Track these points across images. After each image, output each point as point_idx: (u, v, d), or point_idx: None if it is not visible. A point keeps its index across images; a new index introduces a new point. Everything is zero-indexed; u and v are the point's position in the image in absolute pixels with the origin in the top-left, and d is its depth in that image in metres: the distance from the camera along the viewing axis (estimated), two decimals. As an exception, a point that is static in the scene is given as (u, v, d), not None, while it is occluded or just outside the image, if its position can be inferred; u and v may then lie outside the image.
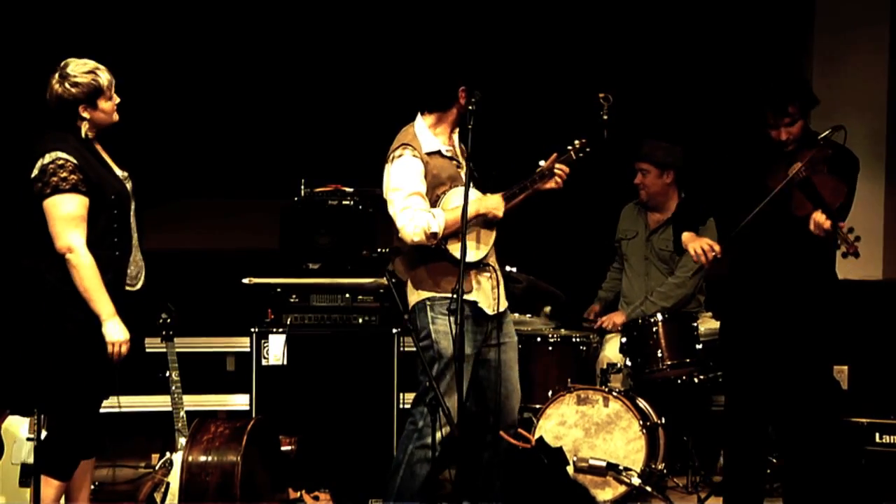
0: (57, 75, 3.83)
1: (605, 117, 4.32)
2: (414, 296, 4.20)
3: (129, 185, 3.95)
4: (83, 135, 3.85)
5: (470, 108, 4.08)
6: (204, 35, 6.28)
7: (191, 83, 6.29)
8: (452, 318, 3.99)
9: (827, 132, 4.24)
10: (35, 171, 3.77)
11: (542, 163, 4.28)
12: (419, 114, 4.26)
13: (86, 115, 3.85)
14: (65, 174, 3.73)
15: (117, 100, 3.93)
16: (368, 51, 6.34)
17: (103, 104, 3.87)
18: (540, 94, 6.30)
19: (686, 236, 4.43)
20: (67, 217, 3.73)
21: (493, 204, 4.17)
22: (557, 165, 4.26)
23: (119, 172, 3.95)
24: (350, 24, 6.36)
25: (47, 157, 3.74)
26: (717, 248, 4.28)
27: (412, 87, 4.25)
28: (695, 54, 6.31)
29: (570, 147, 4.28)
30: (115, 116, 3.94)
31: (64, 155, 3.75)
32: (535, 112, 6.22)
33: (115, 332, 3.75)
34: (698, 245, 4.32)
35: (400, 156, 4.12)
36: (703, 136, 5.71)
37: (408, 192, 4.07)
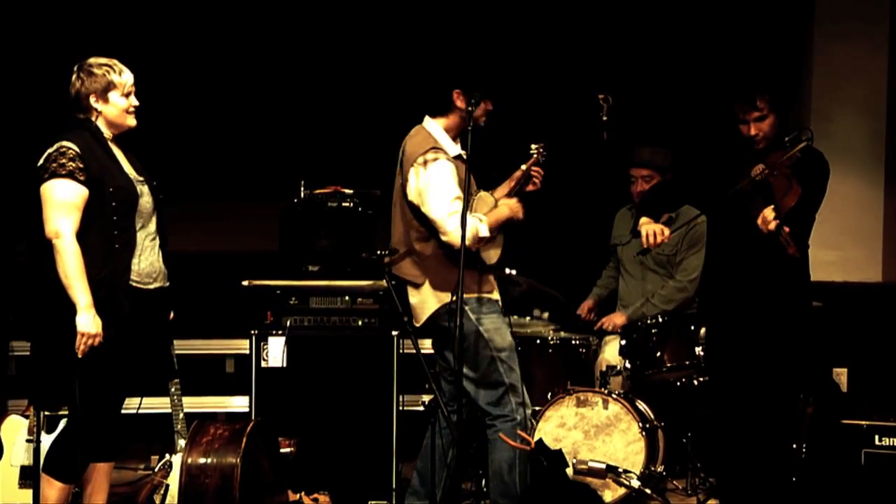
0: (76, 67, 3.89)
1: (605, 118, 4.31)
2: (434, 299, 4.16)
3: (143, 188, 3.92)
4: (99, 130, 3.86)
5: (469, 109, 4.05)
6: (204, 37, 6.29)
7: (191, 85, 6.29)
8: (487, 317, 4.14)
9: (794, 134, 4.22)
10: (41, 160, 3.78)
11: (522, 167, 4.34)
12: (427, 116, 4.23)
13: (97, 106, 3.86)
14: (64, 160, 3.72)
15: (135, 103, 3.94)
16: (368, 52, 6.34)
17: (115, 99, 3.88)
18: (537, 95, 6.30)
19: (642, 220, 4.44)
20: (59, 203, 3.71)
21: (516, 207, 4.22)
22: (534, 169, 4.33)
23: (132, 174, 3.92)
24: (350, 25, 6.36)
25: (53, 146, 3.76)
26: (666, 231, 4.30)
27: (413, 92, 4.22)
28: (692, 55, 6.30)
29: (533, 151, 4.35)
30: (131, 120, 3.94)
31: (68, 143, 3.76)
32: (531, 113, 6.22)
33: (88, 324, 3.67)
34: (650, 228, 4.33)
35: (435, 159, 4.07)
36: (699, 137, 5.71)
37: (452, 196, 4.04)
